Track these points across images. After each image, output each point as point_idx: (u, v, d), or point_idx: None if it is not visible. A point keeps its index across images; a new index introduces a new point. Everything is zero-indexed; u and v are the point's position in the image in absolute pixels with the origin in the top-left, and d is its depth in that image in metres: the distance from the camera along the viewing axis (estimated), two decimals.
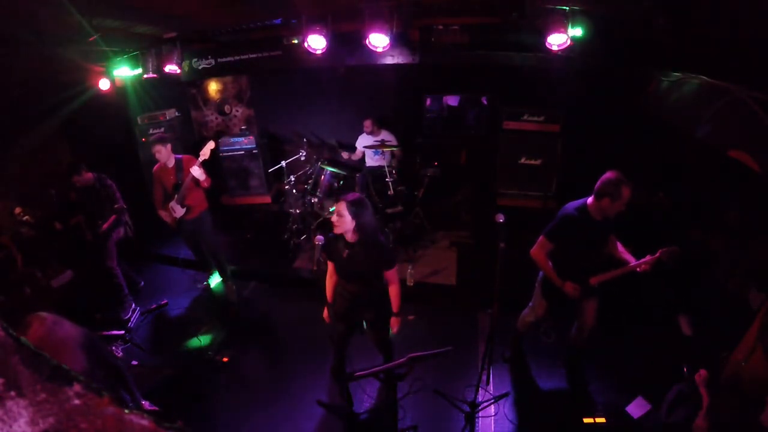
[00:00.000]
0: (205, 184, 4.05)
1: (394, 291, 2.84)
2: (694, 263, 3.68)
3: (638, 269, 2.76)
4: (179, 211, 4.13)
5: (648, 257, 2.74)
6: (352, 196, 2.61)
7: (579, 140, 5.12)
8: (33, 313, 1.18)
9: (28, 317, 1.17)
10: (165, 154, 4.03)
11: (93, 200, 4.30)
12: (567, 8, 3.22)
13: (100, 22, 3.43)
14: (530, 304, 3.39)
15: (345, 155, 5.84)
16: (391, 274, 2.81)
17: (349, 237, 2.65)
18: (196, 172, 3.90)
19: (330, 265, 2.92)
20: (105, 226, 4.27)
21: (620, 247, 2.97)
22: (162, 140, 4.04)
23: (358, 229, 2.61)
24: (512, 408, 3.30)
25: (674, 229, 4.20)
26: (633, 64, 3.72)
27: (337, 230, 2.62)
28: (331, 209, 4.91)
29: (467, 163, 6.22)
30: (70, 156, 5.31)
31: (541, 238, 2.93)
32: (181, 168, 4.08)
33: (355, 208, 2.56)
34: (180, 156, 4.14)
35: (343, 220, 2.56)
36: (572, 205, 2.87)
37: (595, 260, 2.94)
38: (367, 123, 5.44)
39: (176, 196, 4.09)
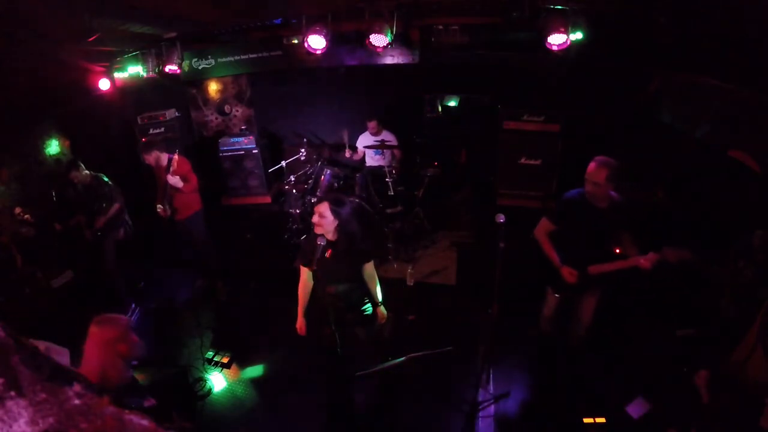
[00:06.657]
0: (185, 189, 4.12)
1: (374, 282, 2.88)
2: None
3: (639, 264, 2.72)
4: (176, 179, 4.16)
5: (651, 254, 2.70)
6: (332, 195, 2.61)
7: (579, 140, 5.12)
8: None
9: None
10: (152, 159, 4.16)
11: (92, 200, 4.31)
12: (567, 8, 3.22)
13: (100, 22, 3.42)
14: (545, 299, 3.40)
15: (348, 153, 5.81)
16: (371, 267, 2.85)
17: (331, 236, 2.62)
18: (171, 180, 4.02)
19: (304, 273, 2.87)
20: (103, 220, 4.28)
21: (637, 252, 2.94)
22: (145, 148, 4.18)
23: (341, 227, 2.61)
24: (512, 408, 3.30)
25: (673, 229, 4.19)
26: (633, 63, 3.72)
27: (317, 230, 2.58)
28: None
29: (467, 163, 6.22)
30: (70, 155, 5.31)
31: (543, 218, 3.05)
32: (170, 167, 4.15)
33: (337, 207, 2.56)
34: (171, 156, 4.20)
35: (325, 221, 2.55)
36: (574, 190, 2.98)
37: (599, 253, 2.93)
38: (372, 124, 5.42)
39: (164, 196, 4.20)
